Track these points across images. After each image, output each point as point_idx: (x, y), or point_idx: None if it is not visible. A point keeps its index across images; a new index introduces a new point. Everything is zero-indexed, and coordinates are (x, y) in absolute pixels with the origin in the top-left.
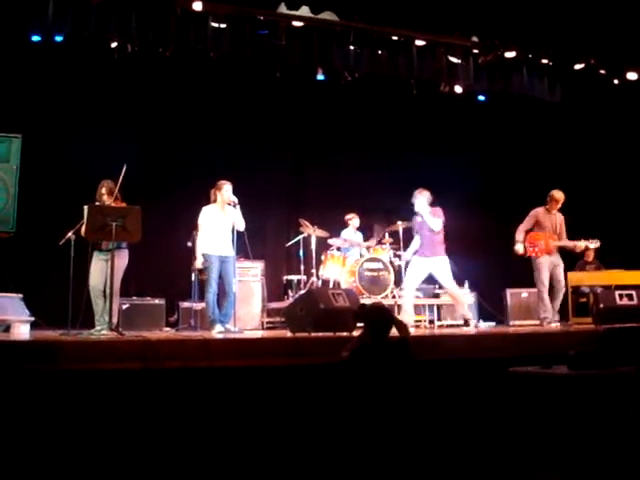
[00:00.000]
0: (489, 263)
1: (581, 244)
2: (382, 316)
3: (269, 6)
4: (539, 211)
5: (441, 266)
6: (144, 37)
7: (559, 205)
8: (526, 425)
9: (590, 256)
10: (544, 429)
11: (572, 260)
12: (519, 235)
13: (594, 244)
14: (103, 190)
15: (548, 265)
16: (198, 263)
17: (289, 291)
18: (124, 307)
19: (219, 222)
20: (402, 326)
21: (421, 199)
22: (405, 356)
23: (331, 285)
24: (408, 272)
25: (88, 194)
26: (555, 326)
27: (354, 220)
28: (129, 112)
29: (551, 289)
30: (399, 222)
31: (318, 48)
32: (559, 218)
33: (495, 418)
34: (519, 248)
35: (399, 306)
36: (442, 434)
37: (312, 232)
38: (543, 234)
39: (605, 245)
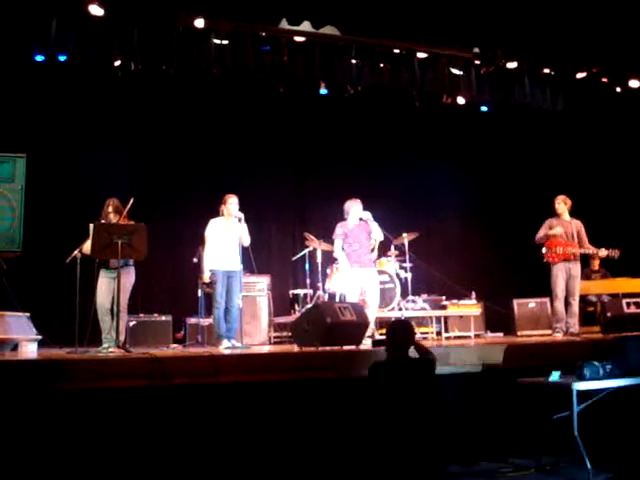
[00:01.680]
0: (495, 274)
1: (603, 253)
2: (403, 331)
3: (271, 22)
4: (551, 220)
5: (375, 278)
6: (147, 55)
7: (561, 208)
8: (534, 435)
9: (596, 265)
10: (552, 439)
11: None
12: (539, 241)
13: (615, 254)
14: (110, 208)
15: (564, 273)
16: (206, 277)
17: (296, 305)
18: (131, 324)
19: (225, 235)
20: (422, 350)
21: (358, 207)
22: (429, 375)
23: (337, 299)
24: (354, 286)
25: (93, 212)
26: (561, 336)
27: None
28: (133, 129)
29: (565, 301)
30: (404, 234)
31: (320, 62)
32: (575, 224)
33: (503, 428)
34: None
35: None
36: (450, 444)
37: (318, 246)
38: (561, 241)
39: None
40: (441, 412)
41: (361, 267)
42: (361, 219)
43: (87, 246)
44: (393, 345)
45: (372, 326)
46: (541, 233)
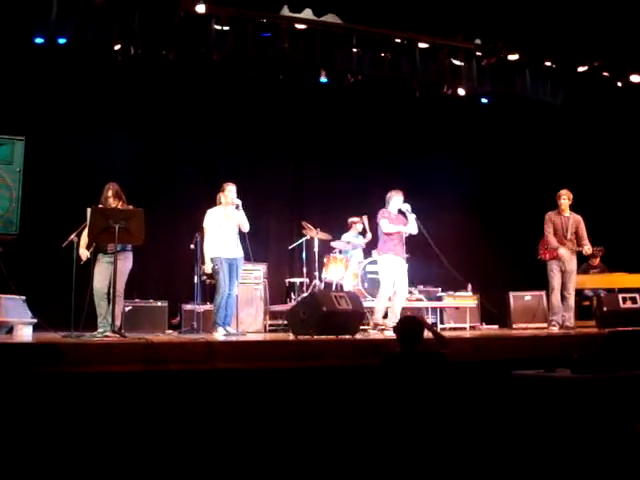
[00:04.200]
0: (492, 266)
1: (588, 251)
2: (412, 327)
3: (272, 9)
4: (550, 214)
5: (405, 268)
6: (147, 39)
7: (563, 203)
8: (529, 428)
9: (596, 261)
10: (547, 432)
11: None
12: (552, 238)
13: (599, 252)
14: (109, 193)
15: (558, 268)
16: (208, 268)
17: (292, 294)
18: (127, 309)
19: (224, 224)
20: (442, 340)
21: (399, 198)
22: (439, 369)
23: (334, 288)
24: (390, 273)
25: (91, 196)
26: (557, 330)
27: (359, 225)
28: (132, 114)
29: (561, 295)
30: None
31: (321, 51)
32: (574, 219)
33: (498, 421)
34: (562, 252)
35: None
36: (446, 436)
37: (315, 235)
38: (556, 238)
39: (608, 248)
40: (452, 406)
41: (396, 256)
42: (400, 210)
43: (84, 234)
44: (402, 340)
45: (398, 314)
46: (550, 237)
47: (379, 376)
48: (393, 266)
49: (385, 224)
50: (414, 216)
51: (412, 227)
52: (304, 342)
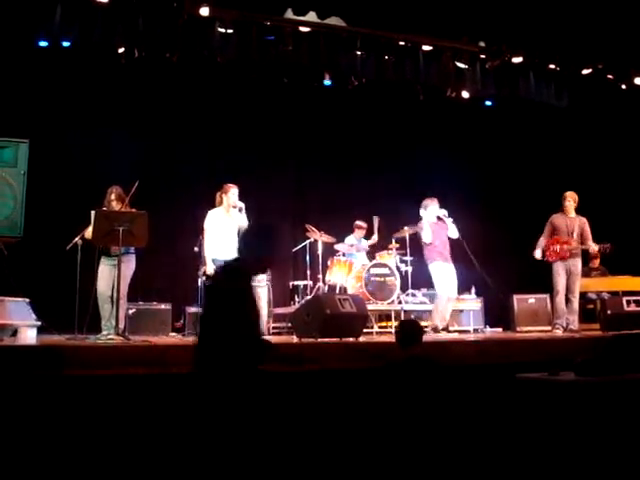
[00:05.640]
0: (496, 269)
1: (594, 247)
2: (411, 328)
3: (276, 12)
4: (555, 215)
5: (454, 273)
6: (151, 42)
7: (568, 205)
8: (533, 431)
9: (596, 263)
10: (551, 435)
11: None
12: (539, 241)
13: (606, 248)
14: (112, 196)
15: (563, 271)
16: (210, 269)
17: (295, 296)
18: (131, 312)
19: (225, 226)
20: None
21: (435, 205)
22: (431, 373)
23: (337, 291)
24: (443, 279)
25: (95, 199)
26: (561, 333)
27: (362, 230)
28: (136, 117)
29: (565, 298)
30: (405, 227)
31: (325, 53)
32: (579, 221)
33: (501, 424)
34: (536, 253)
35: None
36: (448, 440)
37: (318, 237)
38: (560, 238)
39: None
40: (452, 410)
41: (444, 262)
42: (438, 217)
43: (89, 232)
44: (401, 340)
45: (447, 318)
46: (541, 239)
47: (378, 381)
48: (444, 271)
49: (426, 234)
50: (450, 219)
51: (453, 231)
52: (308, 345)
